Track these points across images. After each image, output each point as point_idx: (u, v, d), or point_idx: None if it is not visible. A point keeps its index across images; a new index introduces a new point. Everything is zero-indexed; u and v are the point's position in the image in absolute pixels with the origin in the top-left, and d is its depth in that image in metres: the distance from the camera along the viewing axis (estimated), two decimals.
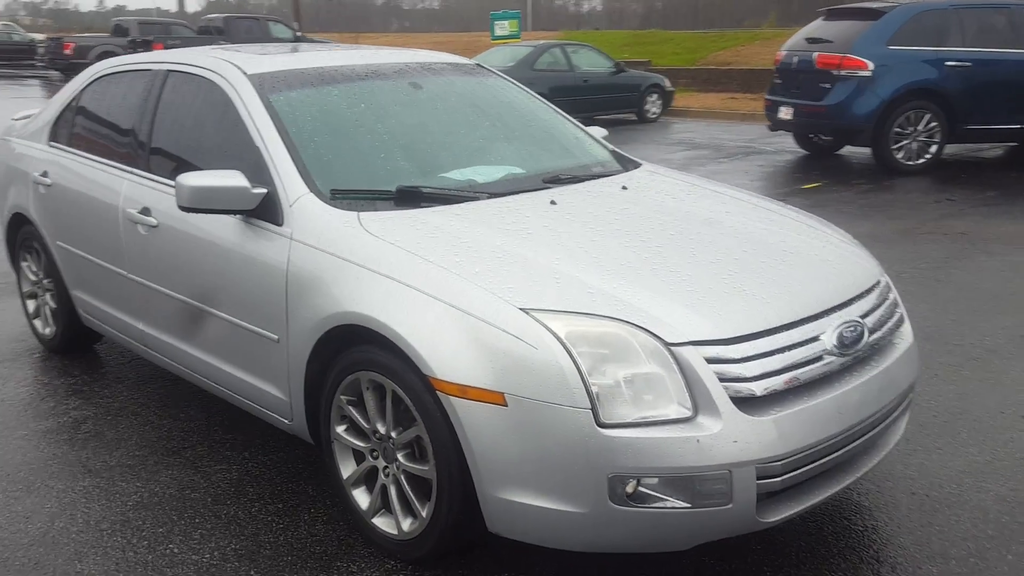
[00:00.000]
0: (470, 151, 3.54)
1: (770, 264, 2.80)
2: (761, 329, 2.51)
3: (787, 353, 2.51)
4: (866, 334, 2.70)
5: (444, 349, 2.49)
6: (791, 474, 2.45)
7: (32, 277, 4.67)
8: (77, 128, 4.28)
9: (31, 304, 4.76)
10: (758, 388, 2.42)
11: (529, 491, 2.42)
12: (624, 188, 3.35)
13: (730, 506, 2.38)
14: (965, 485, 3.15)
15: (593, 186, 3.37)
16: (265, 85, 3.40)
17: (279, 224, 3.02)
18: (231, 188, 3.02)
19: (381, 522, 2.83)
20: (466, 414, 2.45)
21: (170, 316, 3.57)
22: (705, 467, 2.33)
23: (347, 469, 2.90)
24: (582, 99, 14.53)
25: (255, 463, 3.44)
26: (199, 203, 3.02)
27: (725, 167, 10.44)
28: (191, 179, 3.01)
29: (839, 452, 2.58)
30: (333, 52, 3.89)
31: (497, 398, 2.40)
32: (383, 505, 2.83)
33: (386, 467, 2.78)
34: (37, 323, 4.72)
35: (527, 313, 2.43)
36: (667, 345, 2.39)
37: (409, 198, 3.07)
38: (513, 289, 2.52)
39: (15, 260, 4.82)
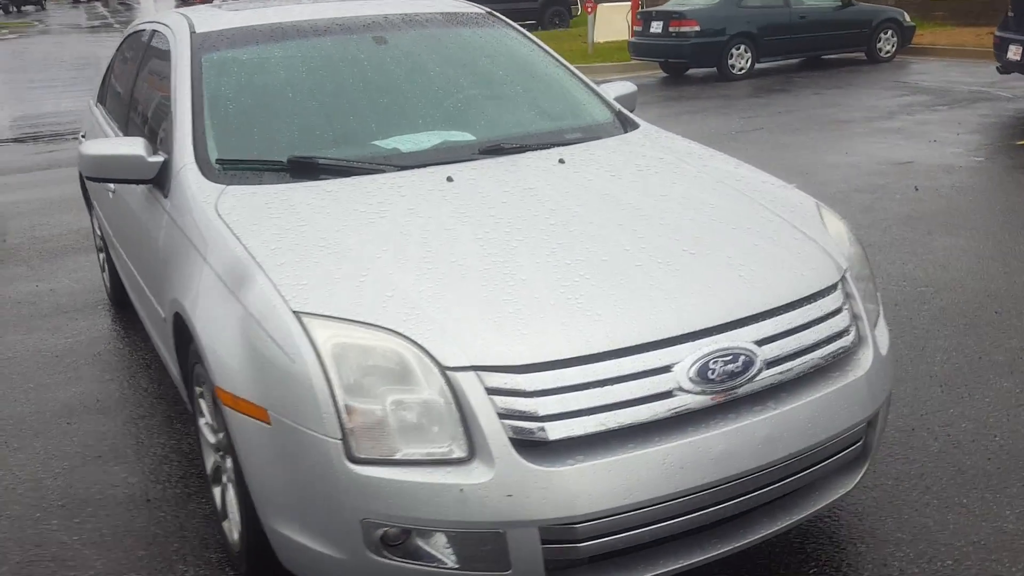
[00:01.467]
0: (422, 115, 3.10)
1: (658, 269, 2.20)
2: (570, 356, 1.95)
3: (610, 387, 1.95)
4: (755, 366, 2.07)
5: (225, 353, 2.18)
6: (600, 541, 1.93)
7: (97, 231, 4.88)
8: (107, 88, 4.36)
9: (100, 257, 4.98)
10: (553, 430, 1.90)
11: (295, 526, 2.08)
12: (561, 161, 2.81)
13: (509, 573, 1.91)
14: None
15: (525, 159, 2.85)
16: (206, 44, 3.20)
17: (165, 196, 2.84)
18: (125, 157, 2.85)
19: (225, 526, 2.61)
20: (238, 429, 2.14)
21: (130, 283, 3.54)
22: (470, 523, 1.88)
23: (208, 463, 2.71)
24: (799, 38, 13.23)
25: None
26: (98, 172, 2.89)
27: (937, 116, 9.06)
28: (90, 147, 2.89)
29: (687, 517, 2.00)
30: (314, 5, 3.61)
31: (262, 414, 2.07)
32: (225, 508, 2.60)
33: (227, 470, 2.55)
34: (105, 276, 4.94)
35: (298, 317, 2.04)
36: (443, 368, 1.93)
37: (303, 170, 2.74)
38: (304, 287, 2.13)
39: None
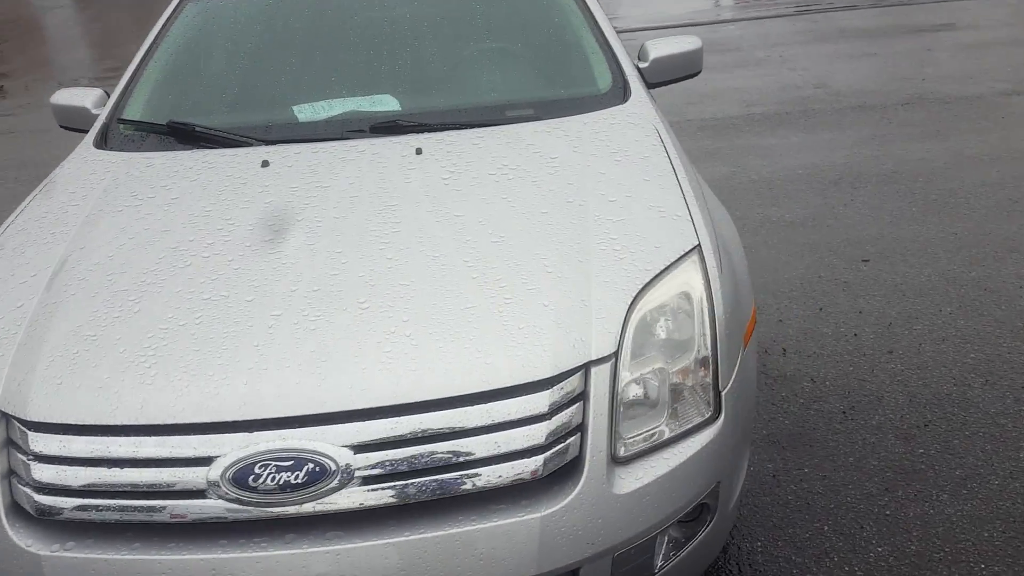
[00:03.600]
0: (373, 76, 2.87)
1: (323, 330, 1.81)
2: (86, 422, 1.70)
3: (123, 470, 1.68)
4: (334, 480, 1.65)
5: None
6: None
7: None
8: None
9: None
10: (42, 505, 1.70)
11: None
12: (418, 152, 2.45)
13: None
14: None
15: (386, 145, 2.52)
16: None
17: None
18: (73, 107, 2.97)
19: None
20: None
21: None
22: None
23: None
24: None
25: None
26: (63, 122, 3.02)
27: None
28: (56, 96, 3.05)
29: None
30: None
31: None
32: None
33: None
34: None
35: None
36: None
37: (183, 137, 2.66)
38: None
39: None
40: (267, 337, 1.78)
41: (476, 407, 1.70)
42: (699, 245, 2.05)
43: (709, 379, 1.92)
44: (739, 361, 2.02)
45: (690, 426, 1.89)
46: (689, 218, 2.13)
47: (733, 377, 1.97)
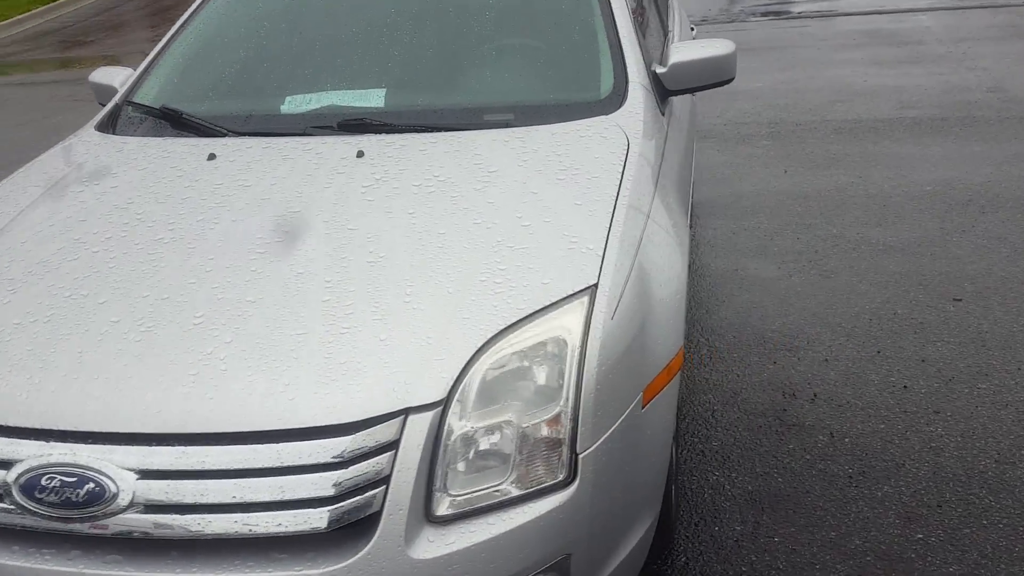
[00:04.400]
0: (363, 71, 2.76)
1: (174, 344, 1.74)
2: None
3: None
4: (113, 502, 1.57)
5: None
6: None
7: None
8: None
9: None
10: None
11: None
12: (359, 155, 2.33)
13: None
14: None
15: (330, 146, 2.41)
16: None
17: None
18: (109, 88, 3.04)
19: None
20: None
21: None
22: None
23: None
24: None
25: None
26: (100, 99, 3.09)
27: None
28: (93, 75, 3.18)
29: None
30: None
31: None
32: None
33: None
34: None
35: None
36: None
37: (174, 123, 2.68)
38: None
39: None
40: (94, 343, 1.75)
41: (266, 446, 1.58)
42: (596, 285, 1.82)
43: (566, 437, 1.70)
44: (622, 419, 1.78)
45: (536, 488, 1.68)
46: (600, 254, 1.90)
47: (604, 438, 1.73)
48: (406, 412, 1.61)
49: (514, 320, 1.74)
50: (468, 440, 1.66)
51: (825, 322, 3.55)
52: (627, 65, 2.67)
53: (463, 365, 1.67)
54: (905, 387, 3.07)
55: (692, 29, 5.06)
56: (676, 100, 3.03)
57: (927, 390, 3.05)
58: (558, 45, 2.80)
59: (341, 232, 2.01)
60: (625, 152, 2.30)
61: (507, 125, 2.47)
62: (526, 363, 1.72)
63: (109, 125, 2.79)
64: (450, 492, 1.64)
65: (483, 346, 1.69)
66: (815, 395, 3.06)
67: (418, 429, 1.61)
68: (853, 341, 3.40)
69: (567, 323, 1.76)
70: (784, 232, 4.51)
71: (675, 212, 2.35)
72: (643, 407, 1.85)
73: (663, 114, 2.71)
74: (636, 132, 2.42)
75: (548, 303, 1.77)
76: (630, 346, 1.82)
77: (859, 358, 3.27)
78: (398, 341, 1.70)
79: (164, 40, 3.08)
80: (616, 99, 2.56)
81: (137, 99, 2.86)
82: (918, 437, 2.81)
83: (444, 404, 1.63)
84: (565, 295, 1.79)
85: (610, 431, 1.75)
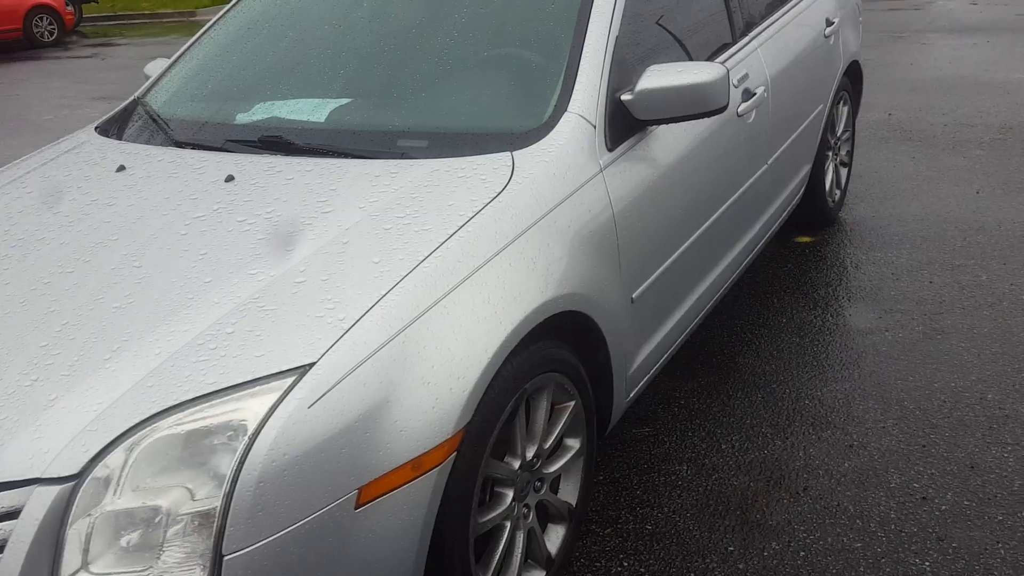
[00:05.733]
0: (329, 83, 2.63)
1: None
2: None
3: None
4: None
5: None
6: None
7: None
8: None
9: None
10: None
11: None
12: (229, 179, 2.22)
13: None
14: None
15: (215, 165, 2.31)
16: None
17: None
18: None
19: None
20: None
21: None
22: None
23: None
24: None
25: None
26: None
27: None
28: (147, 67, 3.29)
29: None
30: None
31: None
32: None
33: None
34: None
35: None
36: None
37: (145, 130, 2.72)
38: None
39: None
40: None
41: None
42: (310, 365, 1.60)
43: (213, 535, 1.52)
44: (307, 521, 1.55)
45: None
46: (348, 327, 1.66)
47: (268, 540, 1.52)
48: (33, 483, 1.52)
49: (195, 396, 1.58)
50: (112, 520, 1.54)
51: (885, 396, 2.93)
52: (574, 91, 2.33)
53: (112, 439, 1.54)
54: (923, 499, 2.46)
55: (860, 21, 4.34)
56: (684, 131, 2.60)
57: (950, 507, 2.42)
58: (518, 66, 2.48)
59: (123, 271, 1.92)
60: (491, 199, 2.01)
61: (412, 155, 2.23)
62: (191, 446, 1.54)
63: (107, 126, 2.89)
64: (91, 570, 1.54)
65: (146, 421, 1.55)
66: (804, 489, 2.54)
67: (42, 502, 1.51)
68: (901, 427, 2.77)
69: (252, 406, 1.56)
70: (919, 271, 3.78)
71: (554, 274, 2.01)
72: (356, 507, 1.62)
73: (612, 149, 2.32)
74: (529, 173, 2.10)
75: (241, 381, 1.59)
76: (341, 437, 1.58)
77: (892, 450, 2.66)
78: (67, 403, 1.59)
79: (181, 50, 3.13)
80: (539, 132, 2.25)
81: (141, 101, 2.93)
82: (896, 569, 2.24)
83: (79, 479, 1.52)
84: (267, 373, 1.59)
85: (280, 534, 1.54)
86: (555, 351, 2.08)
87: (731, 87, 2.48)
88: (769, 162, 3.24)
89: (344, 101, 2.53)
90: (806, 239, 4.24)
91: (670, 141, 2.55)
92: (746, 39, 3.14)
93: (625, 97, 2.38)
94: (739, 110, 2.91)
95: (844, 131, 4.38)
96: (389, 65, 2.59)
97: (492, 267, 1.89)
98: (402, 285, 1.76)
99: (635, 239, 2.36)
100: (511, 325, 1.85)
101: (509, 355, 1.88)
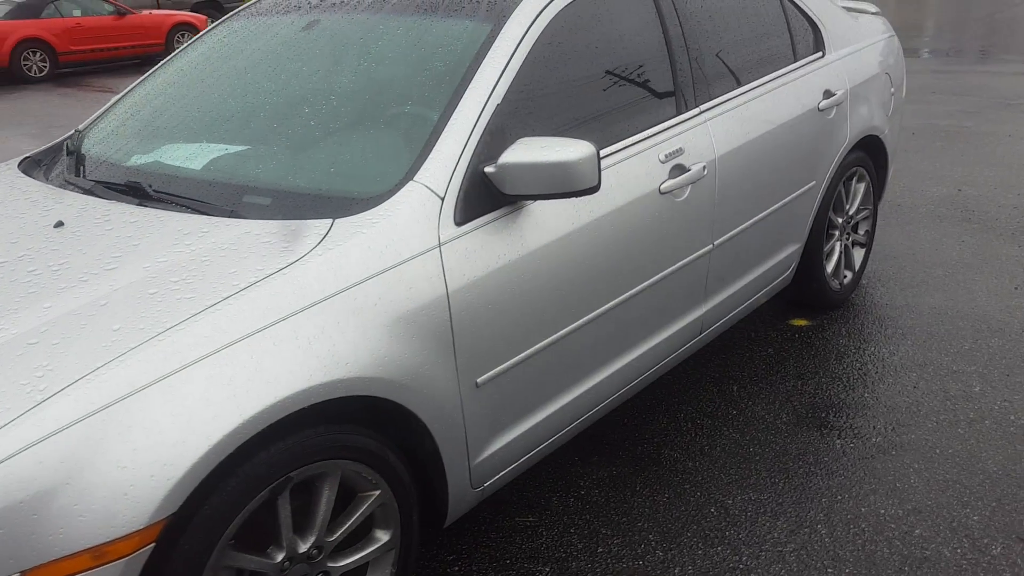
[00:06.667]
0: (229, 130, 2.57)
1: None
2: None
3: None
4: None
5: None
6: None
7: None
8: None
9: None
10: None
11: None
12: (58, 225, 2.19)
13: None
14: None
15: (52, 209, 2.29)
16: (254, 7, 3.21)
17: None
18: None
19: None
20: None
21: None
22: None
23: None
24: None
25: None
26: None
27: None
28: None
29: None
30: None
31: None
32: None
33: None
34: None
35: None
36: None
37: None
38: None
39: None
40: None
41: None
42: None
43: None
44: None
45: None
46: (42, 400, 1.59)
47: None
48: None
49: None
50: None
51: (799, 516, 2.61)
52: (428, 159, 2.20)
53: None
54: None
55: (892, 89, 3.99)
56: (573, 207, 2.41)
57: None
58: (386, 129, 2.34)
59: None
60: (277, 270, 1.90)
61: (251, 215, 2.15)
62: None
63: (43, 153, 2.95)
64: None
65: None
66: None
67: None
68: (801, 555, 2.46)
69: None
70: (908, 373, 3.41)
71: (338, 355, 1.86)
72: None
73: (461, 223, 2.16)
74: (337, 244, 1.98)
75: None
76: (3, 515, 1.51)
77: None
78: None
79: (130, 87, 3.13)
80: (375, 200, 2.13)
81: (80, 132, 2.97)
82: None
83: None
84: None
85: None
86: (344, 437, 1.94)
87: (600, 167, 2.26)
88: (717, 243, 2.99)
89: (225, 151, 2.49)
90: (802, 322, 3.92)
91: (550, 218, 2.37)
92: (693, 112, 2.91)
93: (489, 170, 2.23)
94: (662, 187, 2.70)
95: (862, 209, 4.04)
96: (272, 119, 2.52)
97: (247, 345, 1.77)
98: (124, 358, 1.67)
99: (482, 321, 2.20)
100: (254, 409, 1.72)
101: (257, 440, 1.76)
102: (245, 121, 2.58)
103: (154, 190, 2.33)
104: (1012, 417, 3.09)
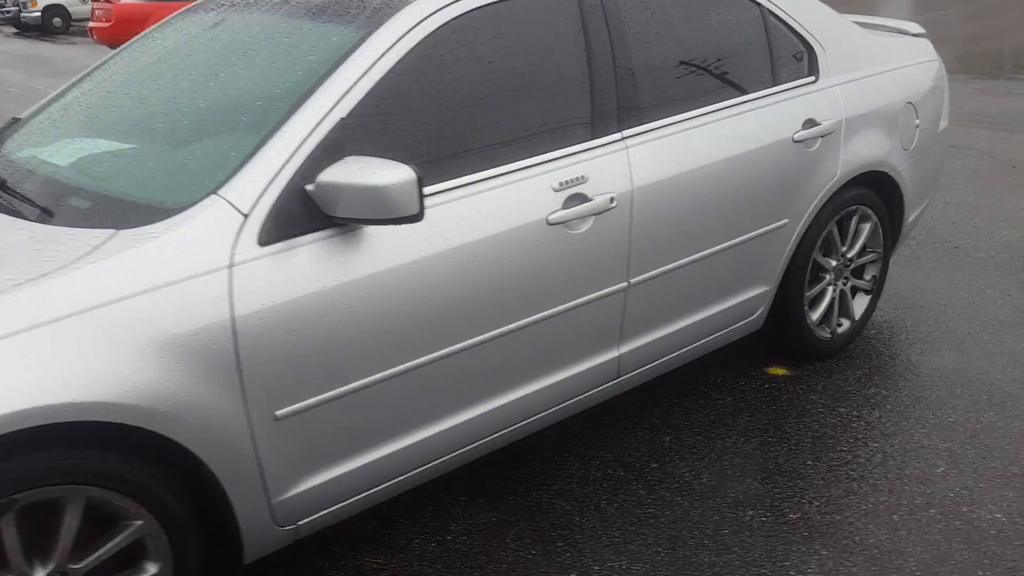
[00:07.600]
0: (104, 129, 2.52)
1: None
2: None
3: None
4: None
5: None
6: None
7: None
8: None
9: None
10: None
11: None
12: None
13: None
14: None
15: None
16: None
17: None
18: None
19: None
20: None
21: None
22: None
23: None
24: None
25: None
26: None
27: None
28: None
29: None
30: None
31: None
32: None
33: None
34: None
35: None
36: None
37: None
38: None
39: None
40: None
41: None
42: None
43: None
44: None
45: None
46: None
47: None
48: None
49: None
50: None
51: None
52: (239, 172, 2.07)
53: None
54: None
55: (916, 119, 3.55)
56: (427, 231, 2.23)
57: None
58: (225, 136, 2.21)
59: None
60: (23, 281, 1.81)
61: (60, 217, 2.09)
62: None
63: None
64: None
65: None
66: None
67: None
68: None
69: None
70: (869, 444, 3.02)
71: (72, 378, 1.74)
72: None
73: (266, 244, 2.01)
74: (100, 258, 1.88)
75: None
76: None
77: None
78: None
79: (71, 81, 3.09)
80: (169, 212, 2.02)
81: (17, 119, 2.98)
82: None
83: None
84: None
85: None
86: (88, 463, 1.84)
87: (422, 194, 2.05)
88: (634, 281, 2.72)
89: (95, 149, 2.43)
90: (780, 371, 3.56)
91: (389, 245, 2.20)
92: (611, 137, 2.64)
93: (309, 188, 2.08)
94: (550, 218, 2.46)
95: (866, 253, 3.63)
96: (139, 120, 2.47)
97: None
98: None
99: (282, 350, 2.04)
100: None
101: None
102: (121, 120, 2.54)
103: (7, 185, 2.31)
104: (964, 509, 2.68)
